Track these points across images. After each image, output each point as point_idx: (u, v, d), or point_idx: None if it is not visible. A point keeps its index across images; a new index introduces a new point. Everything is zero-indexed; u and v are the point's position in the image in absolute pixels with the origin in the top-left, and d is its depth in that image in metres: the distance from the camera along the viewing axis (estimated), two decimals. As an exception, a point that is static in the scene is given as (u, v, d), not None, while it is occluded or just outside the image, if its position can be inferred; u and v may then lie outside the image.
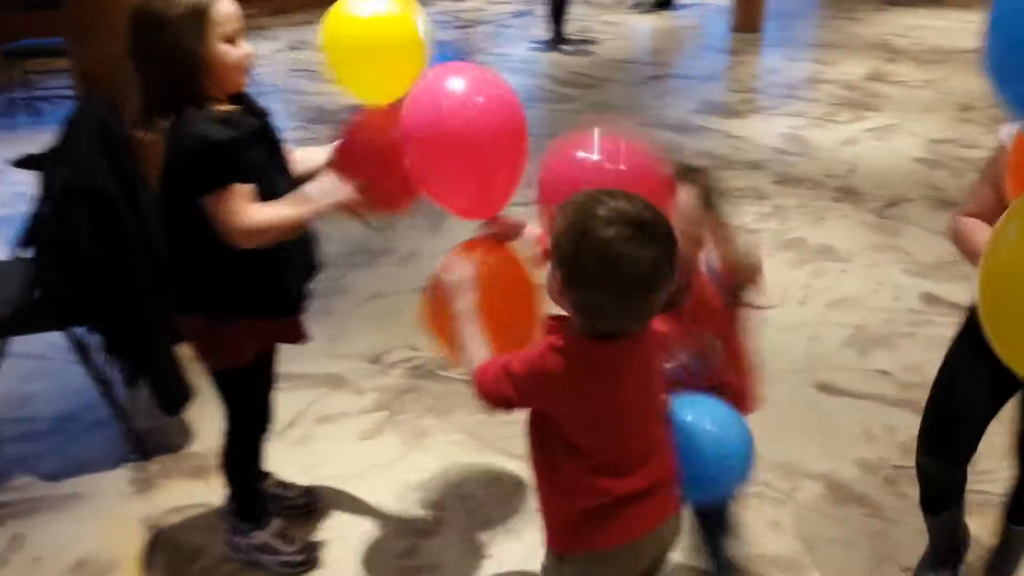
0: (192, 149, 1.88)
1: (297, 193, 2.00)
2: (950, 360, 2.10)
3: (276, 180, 2.06)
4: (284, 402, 2.45)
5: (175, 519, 2.60)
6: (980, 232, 1.86)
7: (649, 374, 1.61)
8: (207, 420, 2.92)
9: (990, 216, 1.84)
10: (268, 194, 2.00)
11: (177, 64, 1.87)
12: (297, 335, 2.26)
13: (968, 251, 1.91)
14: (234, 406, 2.28)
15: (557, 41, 8.97)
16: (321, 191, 1.99)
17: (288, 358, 2.40)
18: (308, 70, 7.80)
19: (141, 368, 2.81)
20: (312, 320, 2.30)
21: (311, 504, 2.62)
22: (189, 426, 2.98)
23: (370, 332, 3.63)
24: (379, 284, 4.03)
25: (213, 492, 2.64)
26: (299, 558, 2.39)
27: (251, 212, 1.93)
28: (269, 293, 2.11)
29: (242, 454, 2.36)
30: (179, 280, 2.11)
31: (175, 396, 2.85)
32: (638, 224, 1.40)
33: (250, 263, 2.01)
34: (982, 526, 2.39)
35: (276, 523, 2.41)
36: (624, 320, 1.48)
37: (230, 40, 1.92)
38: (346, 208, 2.00)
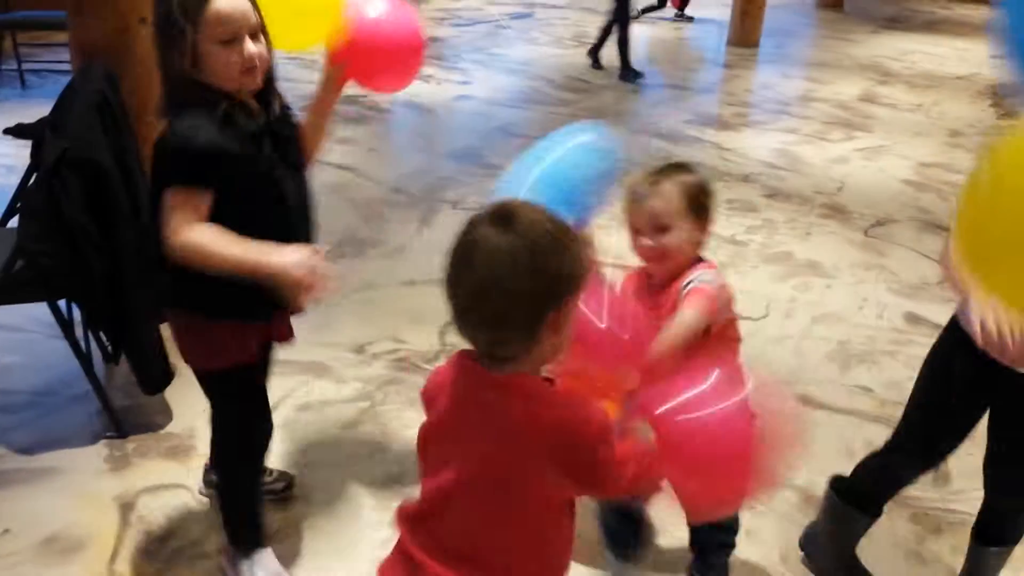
0: (169, 147, 1.84)
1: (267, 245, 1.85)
2: (929, 371, 2.13)
3: (283, 177, 1.98)
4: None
5: (149, 499, 2.57)
6: None
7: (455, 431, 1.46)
8: (186, 401, 2.90)
9: None
10: (270, 195, 1.95)
11: (171, 63, 1.85)
12: (283, 334, 2.16)
13: (956, 285, 1.95)
14: (232, 410, 2.15)
15: (631, 75, 7.99)
16: (292, 258, 1.82)
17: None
18: (299, 58, 7.75)
19: (123, 345, 2.79)
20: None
21: (288, 489, 2.60)
22: (168, 406, 2.95)
23: (356, 322, 3.61)
24: (367, 275, 4.01)
25: (189, 473, 2.62)
26: None
27: (191, 228, 1.82)
28: (246, 298, 1.91)
29: (242, 467, 2.23)
30: (171, 275, 1.97)
31: (156, 375, 2.82)
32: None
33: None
34: (955, 546, 2.40)
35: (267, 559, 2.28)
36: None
37: (227, 42, 1.83)
38: (288, 283, 1.82)
